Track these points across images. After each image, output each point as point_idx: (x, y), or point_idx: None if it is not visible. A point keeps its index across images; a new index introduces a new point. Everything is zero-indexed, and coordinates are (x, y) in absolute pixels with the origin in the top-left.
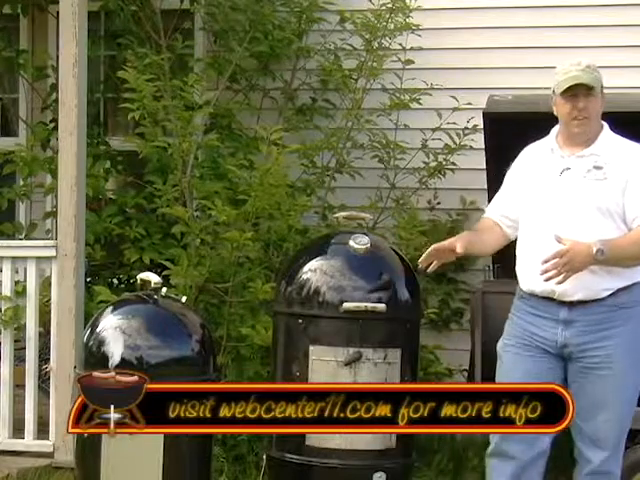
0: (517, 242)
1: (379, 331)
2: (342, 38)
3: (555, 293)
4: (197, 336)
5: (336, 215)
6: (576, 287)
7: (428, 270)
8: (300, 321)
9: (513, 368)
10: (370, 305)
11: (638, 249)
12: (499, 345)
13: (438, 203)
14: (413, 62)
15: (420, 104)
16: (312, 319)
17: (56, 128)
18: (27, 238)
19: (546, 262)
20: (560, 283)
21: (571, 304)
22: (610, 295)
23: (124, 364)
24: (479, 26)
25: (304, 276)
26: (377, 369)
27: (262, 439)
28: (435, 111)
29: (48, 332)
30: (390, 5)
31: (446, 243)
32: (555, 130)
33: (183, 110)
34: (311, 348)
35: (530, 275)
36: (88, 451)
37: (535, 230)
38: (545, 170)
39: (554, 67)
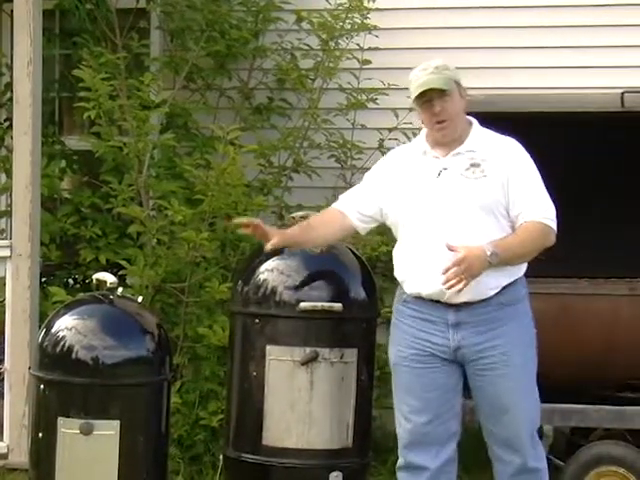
0: (396, 247)
1: (335, 330)
2: (299, 38)
3: (444, 295)
4: (153, 336)
5: (293, 215)
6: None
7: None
8: (257, 321)
9: (407, 383)
10: (326, 305)
11: (526, 248)
12: (392, 355)
13: None
14: (370, 62)
15: (377, 104)
16: (269, 319)
17: (11, 127)
18: None
19: (446, 271)
20: (460, 290)
21: (457, 306)
22: (496, 294)
23: (79, 364)
24: (436, 26)
25: (261, 276)
26: (333, 368)
27: (219, 439)
28: (392, 111)
29: (2, 333)
30: (347, 5)
31: (266, 229)
32: (424, 132)
33: (139, 109)
34: (268, 348)
35: (416, 279)
36: (43, 452)
37: (416, 234)
38: (420, 172)
39: (510, 67)
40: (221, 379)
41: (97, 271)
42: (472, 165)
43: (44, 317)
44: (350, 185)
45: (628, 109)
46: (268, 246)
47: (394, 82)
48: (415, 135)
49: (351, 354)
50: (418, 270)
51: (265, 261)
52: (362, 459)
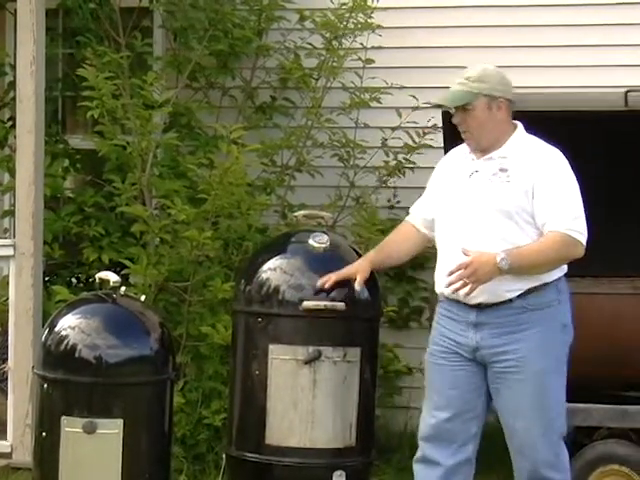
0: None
1: (338, 330)
2: (302, 37)
3: (459, 296)
4: (156, 335)
5: (296, 214)
6: (477, 290)
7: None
8: (259, 320)
9: (432, 380)
10: (329, 304)
11: (543, 258)
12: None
13: (398, 202)
14: (373, 61)
15: (380, 103)
16: (271, 318)
17: (14, 126)
18: None
19: (451, 274)
20: (468, 294)
21: (479, 307)
22: (518, 297)
23: (82, 363)
24: (440, 25)
25: (263, 275)
26: (336, 368)
27: (222, 438)
28: (395, 110)
29: (6, 332)
30: (350, 4)
31: (344, 273)
32: None
33: (142, 108)
34: (270, 347)
35: (439, 278)
36: (46, 451)
37: (444, 233)
38: (457, 173)
39: (513, 66)
40: (224, 378)
41: (100, 270)
42: (500, 170)
43: (47, 316)
44: (353, 184)
45: (632, 108)
46: (357, 287)
47: (397, 81)
48: (418, 134)
49: (354, 353)
50: (442, 270)
51: (268, 260)
52: (365, 458)
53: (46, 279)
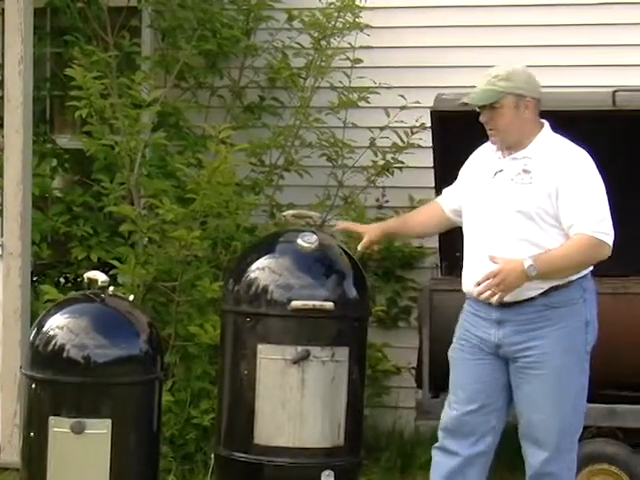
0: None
1: (327, 329)
2: (290, 36)
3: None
4: (144, 335)
5: (284, 213)
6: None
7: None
8: (248, 319)
9: (455, 373)
10: (318, 303)
11: (570, 262)
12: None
13: (386, 201)
14: (362, 61)
15: (368, 102)
16: (260, 317)
17: (1, 126)
18: None
19: (479, 284)
20: (497, 302)
21: (502, 305)
22: (541, 295)
23: (71, 363)
24: (428, 25)
25: (252, 274)
26: (325, 367)
27: (210, 438)
28: (383, 109)
29: None
30: (338, 4)
31: (354, 227)
32: None
33: (130, 108)
34: (259, 347)
35: (465, 276)
36: (34, 451)
37: (470, 232)
38: (484, 170)
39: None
40: (212, 378)
41: (88, 270)
42: (523, 171)
43: (35, 316)
44: (341, 184)
45: (619, 108)
46: (359, 248)
47: (386, 81)
48: (406, 134)
49: (342, 353)
50: (467, 268)
51: (256, 260)
52: (354, 458)
53: (34, 279)
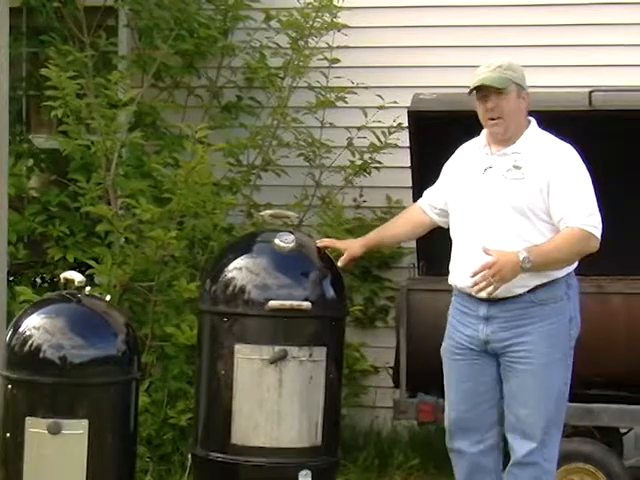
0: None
1: (304, 329)
2: (268, 36)
3: (472, 290)
4: (121, 335)
5: (262, 213)
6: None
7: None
8: (225, 319)
9: (449, 374)
10: (295, 303)
11: (560, 254)
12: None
13: (364, 201)
14: (339, 60)
15: (346, 102)
16: (237, 317)
17: None
18: None
19: (475, 274)
20: (491, 294)
21: (489, 300)
22: (528, 291)
23: (47, 364)
24: (405, 25)
25: (229, 274)
26: (302, 367)
27: (187, 438)
28: (361, 109)
29: None
30: (316, 4)
31: (335, 244)
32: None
33: (107, 108)
34: (236, 346)
35: (453, 271)
36: (11, 452)
37: (459, 227)
38: (471, 167)
39: (478, 66)
40: (189, 378)
41: (65, 270)
42: (514, 167)
43: (11, 317)
44: (319, 184)
45: (596, 108)
46: (339, 264)
47: (363, 81)
48: (384, 134)
49: (320, 353)
50: (456, 263)
51: (234, 260)
52: (331, 457)
53: (10, 279)
